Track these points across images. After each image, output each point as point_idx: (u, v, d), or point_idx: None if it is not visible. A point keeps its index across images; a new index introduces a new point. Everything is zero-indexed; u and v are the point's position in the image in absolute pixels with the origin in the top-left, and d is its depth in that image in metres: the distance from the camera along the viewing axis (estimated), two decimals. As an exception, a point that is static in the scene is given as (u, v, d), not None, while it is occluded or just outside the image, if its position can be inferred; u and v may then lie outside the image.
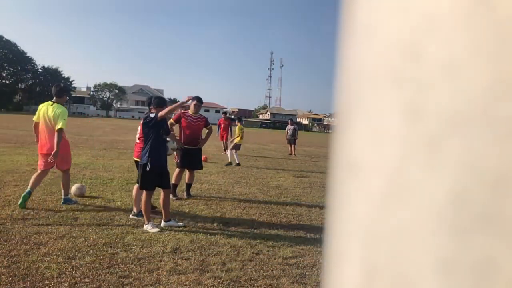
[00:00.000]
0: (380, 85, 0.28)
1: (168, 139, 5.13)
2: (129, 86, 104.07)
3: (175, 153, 6.01)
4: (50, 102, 5.53)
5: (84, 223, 4.71)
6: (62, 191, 5.56)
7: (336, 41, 0.33)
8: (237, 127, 12.67)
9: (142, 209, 4.77)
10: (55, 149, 5.26)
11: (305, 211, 6.13)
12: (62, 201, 5.49)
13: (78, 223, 4.70)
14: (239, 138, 12.30)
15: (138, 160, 5.14)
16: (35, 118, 5.57)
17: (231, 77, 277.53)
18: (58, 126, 5.30)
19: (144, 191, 4.76)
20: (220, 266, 3.70)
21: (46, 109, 5.46)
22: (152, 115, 4.86)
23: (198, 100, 6.62)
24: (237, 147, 12.07)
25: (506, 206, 0.22)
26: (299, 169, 11.75)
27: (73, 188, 6.02)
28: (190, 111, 6.61)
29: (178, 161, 6.38)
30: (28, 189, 5.26)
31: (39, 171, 5.46)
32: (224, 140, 14.92)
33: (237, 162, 11.43)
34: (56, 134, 5.29)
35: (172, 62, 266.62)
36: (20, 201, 5.13)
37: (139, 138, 5.37)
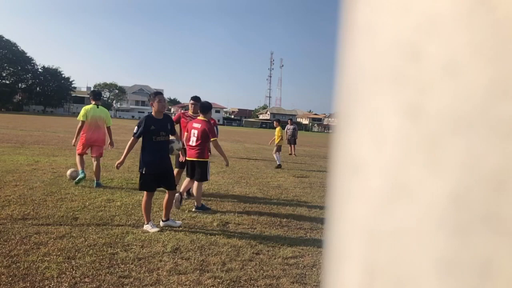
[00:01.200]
0: (380, 85, 0.28)
1: (173, 138, 4.98)
2: (129, 86, 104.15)
3: (180, 153, 5.90)
4: (94, 106, 7.16)
5: (84, 223, 4.71)
6: (95, 176, 6.99)
7: (337, 41, 0.33)
8: (277, 129, 12.93)
9: (142, 209, 4.75)
10: (109, 139, 7.29)
11: (305, 211, 6.13)
12: (95, 185, 6.86)
13: (78, 223, 4.69)
14: (279, 139, 12.57)
15: (191, 159, 5.83)
16: (81, 118, 6.98)
17: (231, 77, 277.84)
18: (110, 124, 7.35)
19: (145, 192, 4.74)
20: (220, 266, 3.70)
21: (94, 111, 7.09)
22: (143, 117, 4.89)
23: (195, 99, 6.59)
24: (278, 148, 12.34)
25: (506, 206, 0.22)
26: (299, 169, 11.75)
27: (68, 172, 7.34)
28: (190, 111, 6.61)
29: (182, 161, 6.34)
30: (82, 173, 6.84)
31: (78, 156, 7.05)
32: None
33: (278, 163, 11.81)
34: (106, 129, 7.27)
35: (172, 62, 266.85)
36: (76, 181, 6.81)
37: (189, 139, 5.88)
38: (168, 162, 4.91)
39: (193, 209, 5.72)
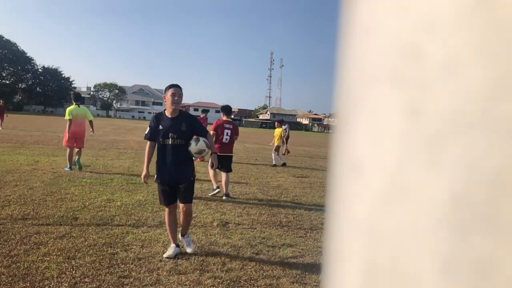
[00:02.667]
0: (380, 85, 0.28)
1: (192, 141, 3.99)
2: (129, 86, 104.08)
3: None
4: (76, 106, 8.62)
5: (84, 223, 4.71)
6: (76, 158, 8.43)
7: (337, 41, 0.33)
8: (277, 130, 12.96)
9: (166, 226, 4.11)
10: (90, 130, 9.09)
11: (305, 211, 6.13)
12: (67, 167, 8.42)
13: (78, 223, 4.70)
14: (276, 140, 12.68)
15: (225, 154, 6.88)
16: (67, 117, 8.46)
17: (232, 77, 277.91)
18: (91, 118, 8.88)
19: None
20: (220, 266, 3.70)
21: (76, 110, 8.59)
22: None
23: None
24: (276, 148, 12.55)
25: (506, 206, 0.22)
26: (299, 169, 11.75)
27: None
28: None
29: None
30: (76, 160, 8.43)
31: (68, 149, 8.51)
32: None
33: (274, 163, 12.26)
34: (89, 122, 8.82)
35: (173, 62, 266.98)
36: (78, 167, 8.40)
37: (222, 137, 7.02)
38: (182, 171, 3.97)
39: (224, 197, 6.58)
